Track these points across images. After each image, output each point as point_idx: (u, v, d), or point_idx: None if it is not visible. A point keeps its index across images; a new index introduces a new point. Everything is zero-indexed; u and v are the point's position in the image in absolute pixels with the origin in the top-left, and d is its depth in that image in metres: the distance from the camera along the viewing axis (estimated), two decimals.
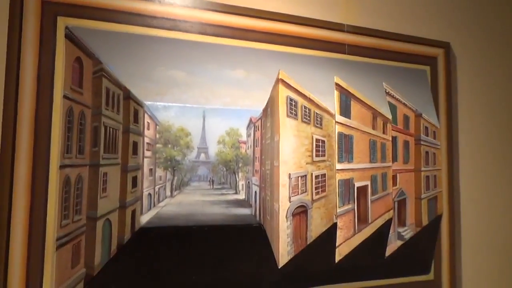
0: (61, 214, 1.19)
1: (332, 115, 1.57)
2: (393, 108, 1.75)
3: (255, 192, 1.35)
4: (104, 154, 1.25)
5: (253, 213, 1.37)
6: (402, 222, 1.74)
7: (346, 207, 1.61)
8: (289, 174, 1.51)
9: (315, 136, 1.52)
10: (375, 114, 1.65)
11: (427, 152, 1.78)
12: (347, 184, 1.64)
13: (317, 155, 1.52)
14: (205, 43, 1.39)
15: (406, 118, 1.75)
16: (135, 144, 1.23)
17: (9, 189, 1.13)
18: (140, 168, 1.22)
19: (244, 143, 1.34)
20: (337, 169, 1.62)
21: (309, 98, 1.52)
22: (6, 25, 1.17)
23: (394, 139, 1.72)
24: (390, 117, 1.67)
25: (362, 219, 1.63)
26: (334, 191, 1.54)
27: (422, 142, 1.76)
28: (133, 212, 1.21)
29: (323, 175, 1.51)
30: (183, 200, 1.25)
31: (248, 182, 1.34)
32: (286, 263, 1.49)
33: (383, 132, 1.66)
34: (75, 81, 1.27)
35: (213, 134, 1.28)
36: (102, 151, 1.25)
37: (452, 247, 1.81)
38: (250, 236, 1.35)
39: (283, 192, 1.47)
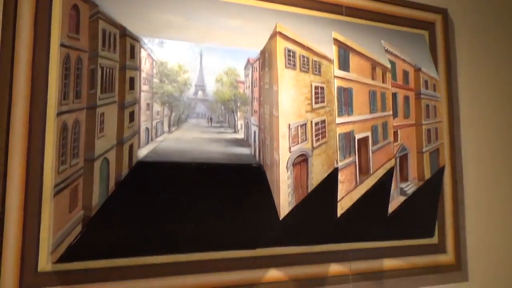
0: (59, 160, 1.17)
1: (331, 61, 1.56)
2: (392, 65, 1.74)
3: (254, 132, 1.34)
4: (101, 95, 1.23)
5: (252, 153, 1.34)
6: (404, 177, 1.72)
7: (347, 160, 1.60)
8: (289, 124, 1.50)
9: (314, 84, 1.51)
10: (374, 64, 1.65)
11: (427, 105, 1.77)
12: (347, 137, 1.62)
13: (316, 102, 1.51)
14: None
15: (405, 74, 1.75)
16: (132, 80, 1.21)
17: (6, 137, 1.11)
18: (137, 102, 1.21)
19: (242, 83, 1.33)
20: (337, 123, 1.60)
21: (307, 47, 1.52)
22: None
23: (394, 95, 1.71)
24: (389, 65, 1.66)
25: (364, 171, 1.61)
26: (334, 136, 1.53)
27: (422, 96, 1.76)
28: (131, 147, 1.19)
29: (323, 122, 1.50)
30: (181, 136, 1.23)
31: (247, 121, 1.32)
32: (287, 214, 1.46)
33: (383, 81, 1.65)
34: (71, 28, 1.26)
35: (211, 73, 1.27)
36: (99, 92, 1.24)
37: (455, 204, 1.78)
38: (251, 177, 1.33)
39: (283, 143, 1.46)
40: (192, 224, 1.27)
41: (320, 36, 1.66)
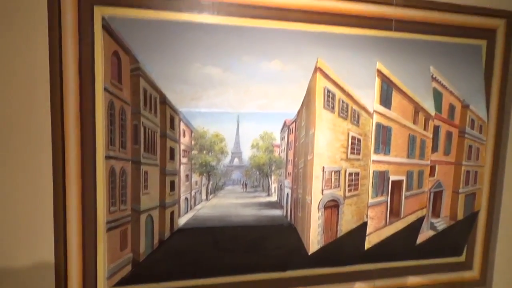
0: (109, 201, 1.31)
1: (370, 114, 1.52)
2: (438, 96, 1.66)
3: (287, 194, 1.40)
4: (144, 153, 1.32)
5: (284, 214, 1.42)
6: (436, 214, 1.74)
7: (379, 199, 1.63)
8: (323, 167, 1.53)
9: (351, 133, 1.50)
10: (417, 108, 1.59)
11: (470, 146, 1.71)
12: (381, 176, 1.64)
13: (352, 153, 1.51)
14: (241, 27, 1.38)
15: (451, 108, 1.67)
16: (172, 150, 1.28)
17: (62, 177, 1.24)
18: (177, 174, 1.29)
19: (278, 146, 1.35)
20: (373, 160, 1.61)
21: (347, 93, 1.48)
22: (46, 20, 1.20)
23: (436, 128, 1.66)
24: (433, 113, 1.60)
25: (395, 213, 1.65)
26: (366, 191, 1.55)
27: (466, 135, 1.69)
28: (172, 213, 1.31)
29: (357, 174, 1.52)
30: (218, 203, 1.32)
31: (281, 184, 1.38)
32: (316, 251, 1.56)
33: (424, 129, 1.60)
34: (114, 75, 1.31)
35: (247, 138, 1.30)
36: (142, 150, 1.32)
37: (487, 236, 1.80)
38: (281, 233, 1.42)
39: (316, 184, 1.51)
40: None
41: (363, 69, 1.60)
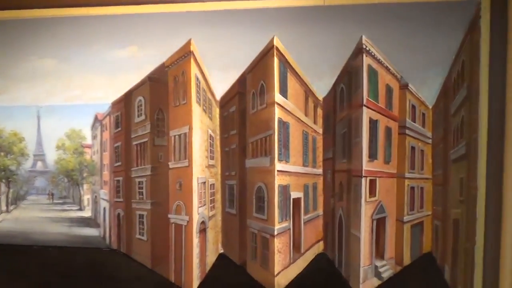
0: None
1: (217, 101, 1.11)
2: (373, 76, 1.14)
3: (104, 208, 1.08)
4: None
5: (102, 235, 1.09)
6: (380, 252, 1.18)
7: (284, 224, 1.20)
8: (198, 178, 1.18)
9: (209, 131, 1.11)
10: (307, 92, 1.11)
11: (413, 148, 1.10)
12: (285, 193, 1.21)
13: (210, 157, 1.12)
14: (101, 16, 1.23)
15: (388, 91, 1.13)
16: None
17: None
18: None
19: (89, 147, 1.06)
20: (278, 170, 1.18)
21: (206, 77, 1.11)
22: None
23: (374, 123, 1.13)
24: (321, 97, 1.09)
25: (296, 245, 1.16)
26: (219, 209, 1.12)
27: (407, 131, 1.09)
28: None
29: (213, 186, 1.11)
30: (20, 216, 1.11)
31: (95, 196, 1.07)
32: None
33: (314, 121, 1.10)
34: None
35: (51, 138, 1.05)
36: None
37: None
38: (104, 260, 1.09)
39: (195, 200, 1.17)
40: None
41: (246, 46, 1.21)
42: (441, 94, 1.15)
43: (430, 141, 1.19)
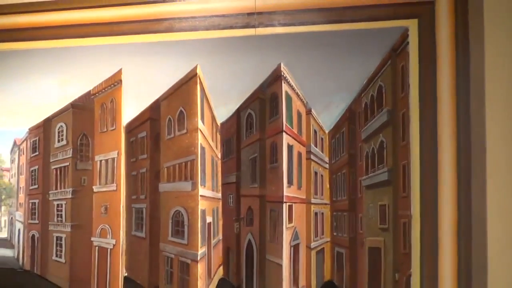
0: None
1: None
2: (289, 102, 1.17)
3: (19, 230, 1.13)
4: None
5: (16, 255, 1.14)
6: (295, 280, 1.14)
7: (203, 249, 1.21)
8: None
9: None
10: (213, 118, 1.14)
11: (316, 173, 1.10)
12: (203, 218, 1.21)
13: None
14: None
15: (299, 117, 1.14)
16: None
17: None
18: None
19: (8, 170, 1.12)
20: (200, 195, 1.21)
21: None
22: None
23: (290, 149, 1.14)
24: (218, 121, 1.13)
25: (208, 270, 1.16)
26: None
27: (312, 156, 1.10)
28: None
29: None
30: None
31: (12, 218, 1.12)
32: None
33: (216, 146, 1.13)
34: None
35: None
36: None
37: None
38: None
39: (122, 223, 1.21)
40: None
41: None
42: (344, 119, 1.15)
43: (327, 165, 1.18)
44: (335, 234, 1.16)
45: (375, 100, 1.23)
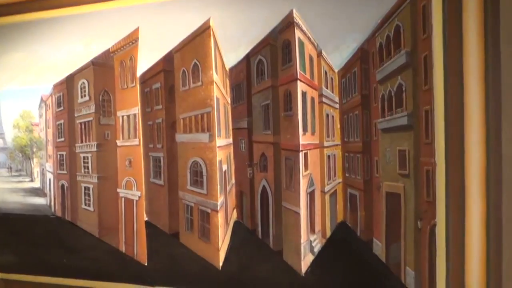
0: None
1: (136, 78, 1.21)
2: (301, 48, 1.17)
3: (50, 180, 1.22)
4: None
5: (48, 203, 1.24)
6: (312, 226, 1.17)
7: (221, 198, 1.28)
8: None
9: None
10: (223, 65, 1.16)
11: (327, 115, 1.08)
12: (220, 168, 1.26)
13: None
14: None
15: (311, 61, 1.13)
16: None
17: None
18: None
19: (37, 125, 1.22)
20: (218, 146, 1.26)
21: None
22: None
23: (304, 96, 1.15)
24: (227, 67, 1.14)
25: (227, 217, 1.21)
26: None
27: (323, 99, 1.09)
28: None
29: None
30: None
31: (43, 168, 1.22)
32: None
33: (226, 92, 1.14)
34: None
35: (9, 118, 1.23)
36: None
37: None
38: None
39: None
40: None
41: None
42: (355, 59, 1.11)
43: (337, 106, 1.15)
44: (347, 175, 1.14)
45: (391, 40, 1.17)
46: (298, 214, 1.22)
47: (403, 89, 1.16)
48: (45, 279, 1.36)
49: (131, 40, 1.37)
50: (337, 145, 1.14)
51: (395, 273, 1.17)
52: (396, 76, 1.17)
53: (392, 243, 1.19)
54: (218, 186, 1.29)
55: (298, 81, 1.21)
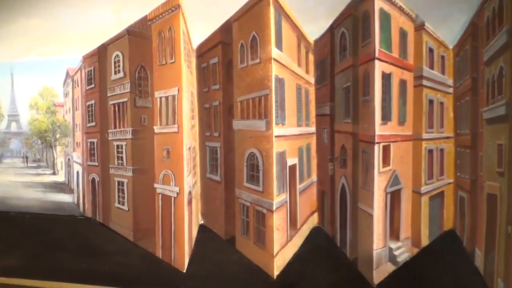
0: None
1: (193, 51, 0.98)
2: (385, 21, 0.96)
3: (77, 172, 0.98)
4: None
5: (76, 201, 1.00)
6: (395, 232, 1.00)
7: (281, 197, 1.05)
8: (186, 144, 1.08)
9: (191, 88, 0.98)
10: (299, 37, 0.94)
11: (431, 101, 0.89)
12: (281, 161, 1.05)
13: (192, 117, 0.99)
14: None
15: (402, 36, 0.92)
16: None
17: None
18: None
19: (62, 105, 0.97)
20: (276, 136, 1.04)
21: (187, 29, 1.00)
22: None
23: (387, 78, 0.94)
24: (311, 38, 0.91)
25: (293, 220, 1.00)
26: (198, 174, 0.99)
27: (424, 82, 0.89)
28: None
29: (194, 149, 0.98)
30: None
31: (68, 159, 0.98)
32: None
33: (306, 71, 0.93)
34: None
35: (25, 97, 0.97)
36: None
37: None
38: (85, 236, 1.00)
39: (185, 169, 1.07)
40: None
41: None
42: (467, 34, 0.92)
43: (451, 90, 0.96)
44: (458, 174, 0.95)
45: (496, 13, 0.98)
46: (371, 216, 1.04)
47: (503, 73, 0.98)
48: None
49: (171, 7, 1.14)
50: (446, 137, 0.95)
51: (489, 287, 1.01)
52: (498, 58, 0.98)
53: (489, 252, 1.02)
54: (275, 182, 1.09)
55: (377, 61, 1.01)
